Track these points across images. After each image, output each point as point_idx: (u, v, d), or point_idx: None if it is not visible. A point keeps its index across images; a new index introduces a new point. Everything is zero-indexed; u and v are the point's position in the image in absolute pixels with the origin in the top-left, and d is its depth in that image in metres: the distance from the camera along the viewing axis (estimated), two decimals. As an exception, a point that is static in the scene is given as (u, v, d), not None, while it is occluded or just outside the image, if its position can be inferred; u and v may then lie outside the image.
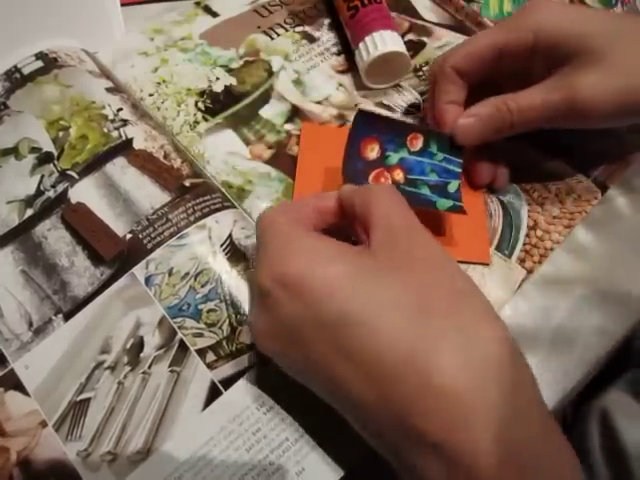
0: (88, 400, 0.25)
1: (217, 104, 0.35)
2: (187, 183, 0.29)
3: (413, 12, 0.41)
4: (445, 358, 0.18)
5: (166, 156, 0.30)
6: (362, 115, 0.30)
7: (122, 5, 0.40)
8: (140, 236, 0.28)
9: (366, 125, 0.30)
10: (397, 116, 0.35)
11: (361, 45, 0.35)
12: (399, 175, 0.29)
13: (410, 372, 0.18)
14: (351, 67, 0.37)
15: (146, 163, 0.30)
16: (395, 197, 0.22)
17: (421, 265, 0.20)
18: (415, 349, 0.18)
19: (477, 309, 0.20)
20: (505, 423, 0.17)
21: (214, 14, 0.40)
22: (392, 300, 0.19)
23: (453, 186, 0.29)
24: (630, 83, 0.26)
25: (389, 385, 0.18)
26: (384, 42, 0.34)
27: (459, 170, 0.30)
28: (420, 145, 0.30)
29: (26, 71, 0.33)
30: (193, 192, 0.29)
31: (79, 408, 0.25)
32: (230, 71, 0.36)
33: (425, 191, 0.29)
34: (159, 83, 0.36)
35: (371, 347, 0.18)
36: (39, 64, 0.33)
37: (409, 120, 0.35)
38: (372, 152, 0.30)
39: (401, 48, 0.34)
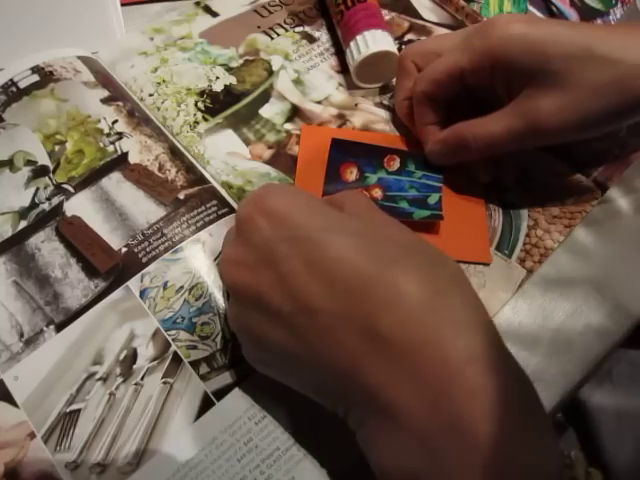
0: (78, 411, 0.25)
1: (217, 104, 0.35)
2: (182, 196, 0.30)
3: (413, 12, 0.41)
4: (411, 272, 0.19)
5: (161, 167, 0.31)
6: (337, 143, 0.32)
7: (122, 5, 0.40)
8: (135, 250, 0.28)
9: (342, 152, 0.32)
10: (395, 117, 0.35)
11: (349, 47, 0.35)
12: (377, 193, 0.31)
13: (379, 284, 0.19)
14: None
15: (141, 177, 0.31)
16: (364, 198, 0.24)
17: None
18: (382, 268, 0.19)
19: (437, 250, 0.21)
20: (472, 327, 0.19)
21: (214, 14, 0.40)
22: (362, 232, 0.21)
23: (433, 198, 0.31)
24: (592, 105, 0.26)
25: (357, 296, 0.19)
26: (368, 44, 0.34)
27: (440, 184, 0.31)
28: (397, 165, 0.32)
29: (22, 85, 0.34)
30: (187, 205, 0.30)
31: (69, 419, 0.25)
32: (230, 70, 0.37)
33: (404, 205, 0.31)
34: (159, 83, 0.36)
35: (342, 264, 0.19)
36: (35, 78, 0.34)
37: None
38: (351, 175, 0.31)
39: (389, 47, 0.34)
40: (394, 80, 0.36)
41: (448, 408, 0.17)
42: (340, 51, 0.38)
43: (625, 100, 0.26)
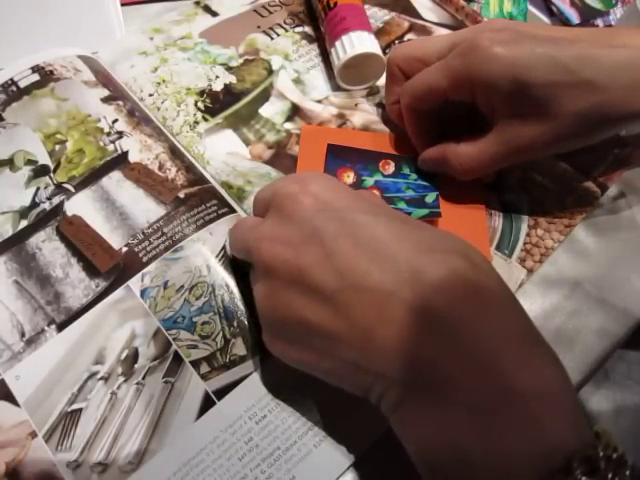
0: (80, 410, 0.25)
1: (217, 103, 0.35)
2: (182, 195, 0.30)
3: (413, 12, 0.42)
4: (453, 256, 0.20)
5: (161, 167, 0.31)
6: (332, 149, 0.32)
7: (122, 5, 0.40)
8: (136, 249, 0.28)
9: (338, 158, 0.32)
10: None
11: (333, 48, 0.35)
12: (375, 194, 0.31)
13: (427, 264, 0.20)
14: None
15: (141, 176, 0.31)
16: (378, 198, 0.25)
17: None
18: (426, 250, 0.20)
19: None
20: (511, 305, 0.20)
21: (214, 14, 0.40)
22: (402, 218, 0.23)
23: (430, 197, 0.31)
24: (574, 130, 0.27)
25: (406, 277, 0.19)
26: (353, 46, 0.34)
27: (434, 187, 0.31)
28: (392, 169, 0.32)
29: (22, 84, 0.34)
30: (188, 204, 0.30)
31: (70, 418, 0.25)
32: (230, 69, 0.37)
33: (402, 205, 0.31)
34: (159, 83, 0.36)
35: (389, 244, 0.20)
36: (35, 77, 0.34)
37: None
38: (348, 178, 0.32)
39: (371, 49, 0.34)
40: (379, 82, 0.37)
41: (497, 380, 0.18)
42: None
43: (607, 121, 0.26)
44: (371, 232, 0.21)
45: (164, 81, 0.36)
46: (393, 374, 0.19)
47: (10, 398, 0.25)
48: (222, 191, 0.31)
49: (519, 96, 0.26)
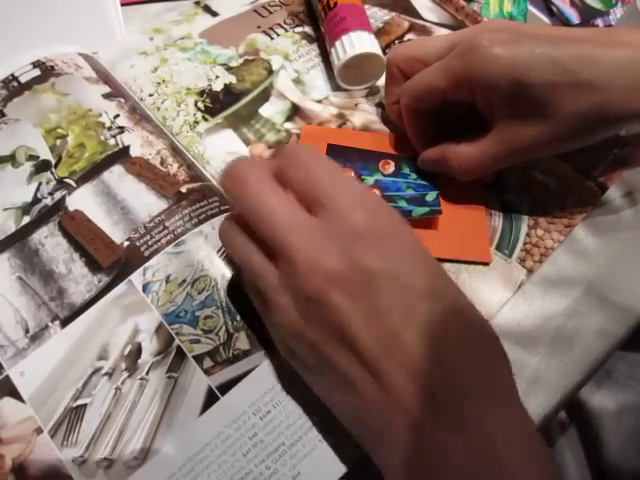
0: (84, 406, 0.25)
1: (217, 103, 0.35)
2: (184, 189, 0.30)
3: (413, 12, 0.41)
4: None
5: (163, 162, 0.31)
6: (332, 149, 0.32)
7: (122, 5, 0.40)
8: (137, 244, 0.28)
9: (338, 157, 0.32)
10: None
11: (333, 47, 0.35)
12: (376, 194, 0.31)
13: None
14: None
15: (143, 171, 0.31)
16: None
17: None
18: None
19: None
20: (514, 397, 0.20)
21: (214, 13, 0.40)
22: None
23: (431, 196, 0.31)
24: (574, 130, 0.26)
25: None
26: (353, 45, 0.34)
27: (434, 186, 0.31)
28: (392, 169, 0.32)
29: (23, 79, 0.33)
30: (190, 198, 0.30)
31: (75, 414, 0.25)
32: (230, 69, 0.37)
33: (402, 204, 0.31)
34: (159, 83, 0.36)
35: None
36: (36, 72, 0.34)
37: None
38: None
39: (372, 49, 0.34)
40: (379, 82, 0.37)
41: (490, 455, 0.18)
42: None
43: (607, 121, 0.26)
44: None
45: (164, 81, 0.36)
46: (390, 441, 0.20)
47: (15, 394, 0.25)
48: (222, 191, 0.31)
49: (519, 96, 0.26)
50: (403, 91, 0.30)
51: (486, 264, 0.30)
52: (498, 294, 0.29)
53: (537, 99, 0.26)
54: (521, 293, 0.30)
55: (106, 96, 0.34)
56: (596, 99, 0.25)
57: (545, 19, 0.44)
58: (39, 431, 0.24)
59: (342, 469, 0.24)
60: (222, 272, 0.27)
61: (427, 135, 0.31)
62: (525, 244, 0.31)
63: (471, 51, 0.26)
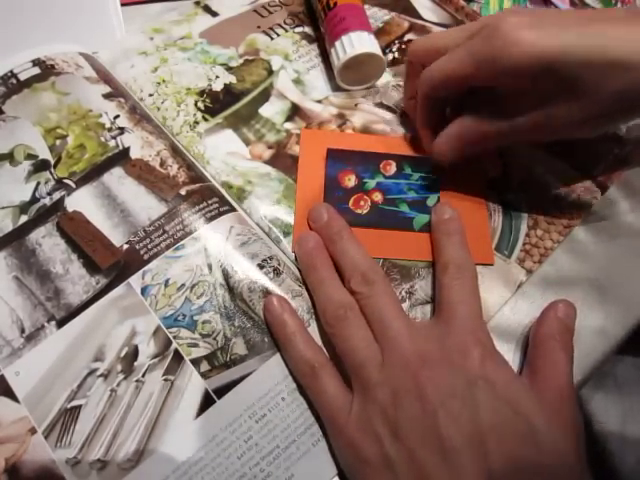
0: (79, 407, 0.25)
1: (217, 103, 0.35)
2: (183, 192, 0.30)
3: (413, 12, 0.41)
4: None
5: (162, 163, 0.31)
6: (332, 153, 0.32)
7: (122, 5, 0.40)
8: (137, 247, 0.28)
9: (338, 161, 0.32)
10: (395, 117, 0.36)
11: (333, 48, 0.35)
12: (378, 197, 0.31)
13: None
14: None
15: (143, 173, 0.31)
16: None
17: None
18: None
19: None
20: None
21: (214, 14, 0.40)
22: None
23: (432, 200, 0.31)
24: (606, 110, 0.26)
25: None
26: (353, 45, 0.34)
27: (437, 186, 0.32)
28: (394, 170, 0.32)
29: (22, 77, 0.33)
30: (189, 201, 0.30)
31: (70, 415, 0.25)
32: (230, 69, 0.37)
33: (404, 208, 0.31)
34: (159, 83, 0.36)
35: None
36: (36, 70, 0.34)
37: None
38: (350, 181, 0.32)
39: (372, 49, 0.34)
40: (379, 82, 0.37)
41: None
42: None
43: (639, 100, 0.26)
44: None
45: (164, 81, 0.36)
46: None
47: (10, 394, 0.25)
48: (222, 191, 0.31)
49: (548, 77, 0.25)
50: (423, 78, 0.29)
51: (489, 265, 0.30)
52: (498, 294, 0.29)
53: (568, 79, 0.25)
54: (521, 293, 0.30)
55: (106, 96, 0.33)
56: (630, 78, 0.25)
57: (545, 19, 0.44)
58: (33, 431, 0.24)
59: (334, 471, 0.24)
60: (220, 277, 0.27)
61: (435, 128, 0.31)
62: (524, 244, 0.31)
63: (496, 34, 0.26)
